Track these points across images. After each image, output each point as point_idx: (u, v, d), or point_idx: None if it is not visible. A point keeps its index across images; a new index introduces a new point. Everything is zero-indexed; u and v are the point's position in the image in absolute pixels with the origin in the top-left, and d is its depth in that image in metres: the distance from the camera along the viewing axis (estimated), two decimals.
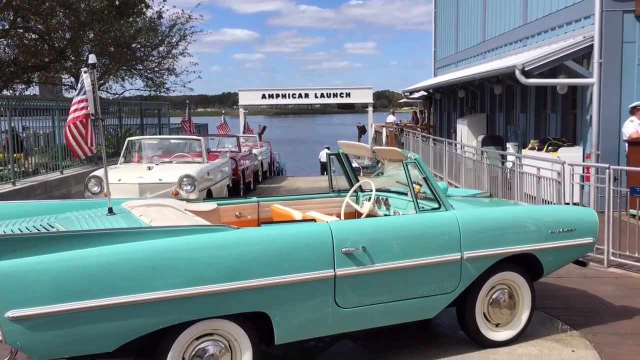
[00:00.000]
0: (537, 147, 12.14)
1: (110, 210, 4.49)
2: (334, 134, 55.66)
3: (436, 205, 4.70)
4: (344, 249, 4.14)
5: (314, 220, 4.45)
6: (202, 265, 3.75)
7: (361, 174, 6.05)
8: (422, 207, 4.68)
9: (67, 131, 4.48)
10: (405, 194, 5.38)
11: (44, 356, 3.55)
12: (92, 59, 4.24)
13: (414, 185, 4.73)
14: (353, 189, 5.73)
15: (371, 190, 5.43)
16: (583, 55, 11.28)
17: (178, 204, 5.05)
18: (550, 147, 11.64)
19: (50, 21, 15.56)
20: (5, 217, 4.47)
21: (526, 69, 11.07)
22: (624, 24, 10.66)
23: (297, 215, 4.89)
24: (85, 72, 4.23)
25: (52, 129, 11.53)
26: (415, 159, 4.73)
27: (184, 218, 4.47)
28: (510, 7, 16.17)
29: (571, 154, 10.82)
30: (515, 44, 15.77)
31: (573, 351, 4.79)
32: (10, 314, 3.30)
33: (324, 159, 27.77)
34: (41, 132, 11.41)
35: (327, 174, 6.20)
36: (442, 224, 4.58)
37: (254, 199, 5.59)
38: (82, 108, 4.35)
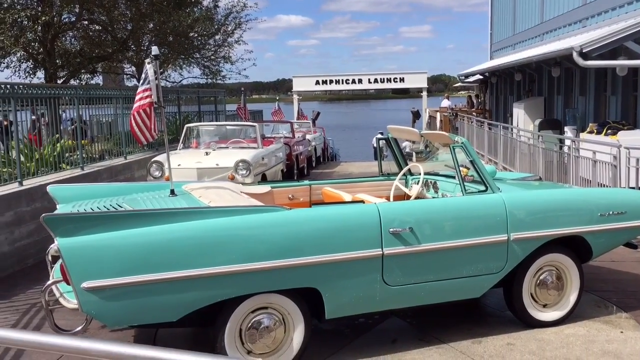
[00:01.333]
0: (595, 131, 11.88)
1: (172, 192, 4.80)
2: (389, 120, 55.35)
3: (483, 188, 4.80)
4: (391, 229, 4.31)
5: (362, 201, 4.63)
6: (257, 242, 4.00)
7: (414, 158, 6.17)
8: (469, 190, 4.79)
9: (133, 119, 4.81)
10: (453, 177, 5.48)
11: (115, 324, 3.90)
12: (155, 50, 4.53)
13: (461, 168, 4.84)
14: (402, 172, 5.86)
15: (420, 174, 5.56)
16: None
17: (234, 187, 5.33)
18: (609, 131, 11.37)
19: (113, 13, 16.22)
20: (78, 198, 4.85)
21: (584, 51, 10.84)
22: None
23: (347, 197, 5.08)
24: (148, 63, 4.53)
25: (114, 117, 12.09)
26: (462, 143, 4.83)
27: (240, 199, 4.73)
28: None
29: (632, 138, 10.53)
30: (575, 24, 15.36)
31: (622, 332, 4.81)
32: (85, 284, 3.64)
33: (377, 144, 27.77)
34: (104, 120, 11.99)
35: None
36: (489, 206, 4.67)
37: (306, 182, 5.82)
38: (146, 97, 4.66)
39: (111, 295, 3.72)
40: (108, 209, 4.30)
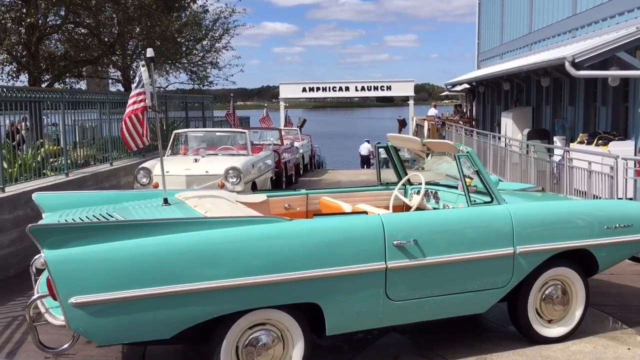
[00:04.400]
0: (586, 141, 11.84)
1: (166, 201, 4.59)
2: (374, 128, 55.47)
3: (488, 199, 4.65)
4: (395, 242, 4.13)
5: (365, 212, 4.46)
6: (256, 255, 3.80)
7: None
8: (474, 201, 4.63)
9: (124, 123, 4.59)
10: (455, 187, 5.33)
11: (104, 341, 3.67)
12: (150, 52, 4.32)
13: (465, 178, 4.69)
14: (402, 182, 5.70)
15: (420, 184, 5.40)
16: (636, 47, 10.93)
17: (229, 196, 5.13)
18: (600, 141, 11.33)
19: (100, 16, 15.91)
20: (65, 207, 4.61)
21: (576, 61, 10.79)
22: None
23: (347, 207, 4.90)
24: (143, 65, 4.32)
25: (100, 122, 11.81)
26: (467, 152, 4.68)
27: (237, 209, 4.53)
28: None
29: (622, 148, 10.50)
30: (564, 35, 15.39)
31: (629, 349, 4.68)
32: (73, 300, 3.42)
33: (364, 152, 27.62)
34: (88, 125, 11.70)
35: (367, 167, 6.20)
36: (495, 218, 4.52)
37: (303, 191, 5.63)
38: (140, 100, 4.45)
39: (101, 311, 3.49)
40: (98, 218, 4.08)
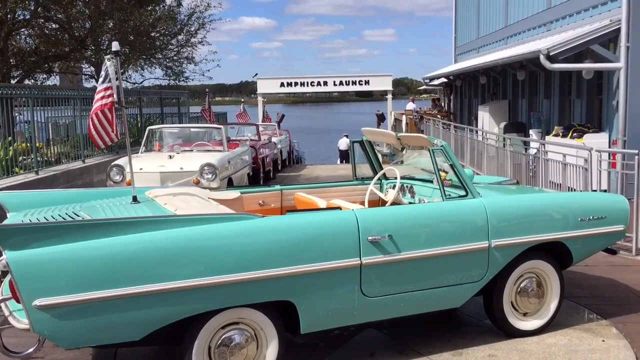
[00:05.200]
0: (561, 134, 11.93)
1: (135, 199, 4.48)
2: (353, 122, 55.44)
3: (463, 193, 4.62)
4: (370, 237, 4.08)
5: (339, 208, 4.40)
6: (228, 253, 3.72)
7: (380, 161, 5.96)
8: (449, 195, 4.60)
9: (92, 120, 4.45)
10: (431, 182, 5.30)
11: (71, 345, 3.56)
12: (115, 46, 4.19)
13: (440, 172, 4.65)
14: (377, 176, 5.65)
15: (395, 178, 5.36)
16: (610, 39, 11.03)
17: (201, 193, 5.02)
18: (575, 134, 11.43)
19: (71, 10, 15.60)
20: (31, 206, 4.47)
21: (551, 54, 10.86)
22: None
23: (321, 203, 4.84)
24: (109, 59, 4.20)
25: (72, 119, 11.58)
26: (442, 146, 4.64)
27: (208, 206, 4.44)
28: None
29: (597, 140, 10.61)
30: (539, 28, 15.48)
31: (603, 341, 4.69)
32: (37, 302, 3.30)
33: (342, 147, 27.60)
34: (61, 122, 11.48)
35: (346, 162, 6.15)
36: (470, 212, 4.49)
37: (277, 187, 5.55)
38: (108, 96, 4.31)
39: (67, 314, 3.38)
40: (64, 218, 3.95)
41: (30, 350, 3.63)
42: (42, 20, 16.71)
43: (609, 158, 8.28)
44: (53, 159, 10.07)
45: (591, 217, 4.90)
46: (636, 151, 7.30)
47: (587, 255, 5.15)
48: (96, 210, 4.21)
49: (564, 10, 13.66)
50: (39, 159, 9.15)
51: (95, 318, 3.45)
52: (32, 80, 17.94)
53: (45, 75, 19.16)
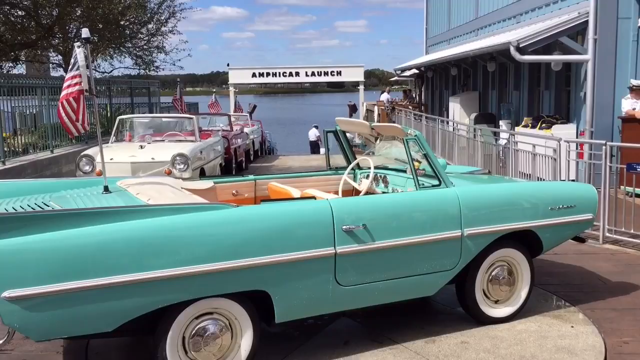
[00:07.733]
0: (530, 125, 12.12)
1: (106, 189, 4.41)
2: (325, 113, 55.45)
3: (436, 182, 4.65)
4: (344, 227, 4.09)
5: (313, 197, 4.39)
6: (201, 243, 3.69)
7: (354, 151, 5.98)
8: (423, 184, 4.63)
9: (60, 108, 4.35)
10: (404, 171, 5.33)
11: (41, 337, 3.50)
12: (85, 32, 4.10)
13: (413, 162, 4.68)
14: (351, 166, 5.66)
15: (369, 168, 5.37)
16: (578, 32, 11.21)
17: (174, 182, 4.97)
18: (543, 125, 11.62)
19: None
20: (0, 196, 4.36)
21: (521, 46, 10.99)
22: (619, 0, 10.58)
23: (296, 193, 4.83)
24: (78, 46, 4.10)
25: (40, 108, 11.33)
26: (415, 135, 4.67)
27: (182, 196, 4.40)
28: None
29: (565, 131, 10.80)
30: (509, 20, 15.65)
31: (572, 327, 4.80)
32: (6, 294, 3.24)
33: (312, 137, 27.57)
34: (28, 111, 11.22)
35: (317, 152, 6.14)
36: (443, 201, 4.53)
37: (251, 177, 5.52)
38: (75, 84, 4.22)
39: (37, 305, 3.32)
40: (33, 208, 3.87)
41: (0, 342, 3.55)
42: (7, 7, 16.27)
43: (577, 148, 8.43)
44: (20, 149, 9.84)
45: (561, 206, 4.99)
46: (603, 142, 7.46)
47: (557, 244, 5.25)
48: (67, 201, 4.13)
49: (534, 2, 13.83)
50: (5, 149, 8.93)
51: (66, 309, 3.40)
52: None
53: (11, 64, 18.70)
